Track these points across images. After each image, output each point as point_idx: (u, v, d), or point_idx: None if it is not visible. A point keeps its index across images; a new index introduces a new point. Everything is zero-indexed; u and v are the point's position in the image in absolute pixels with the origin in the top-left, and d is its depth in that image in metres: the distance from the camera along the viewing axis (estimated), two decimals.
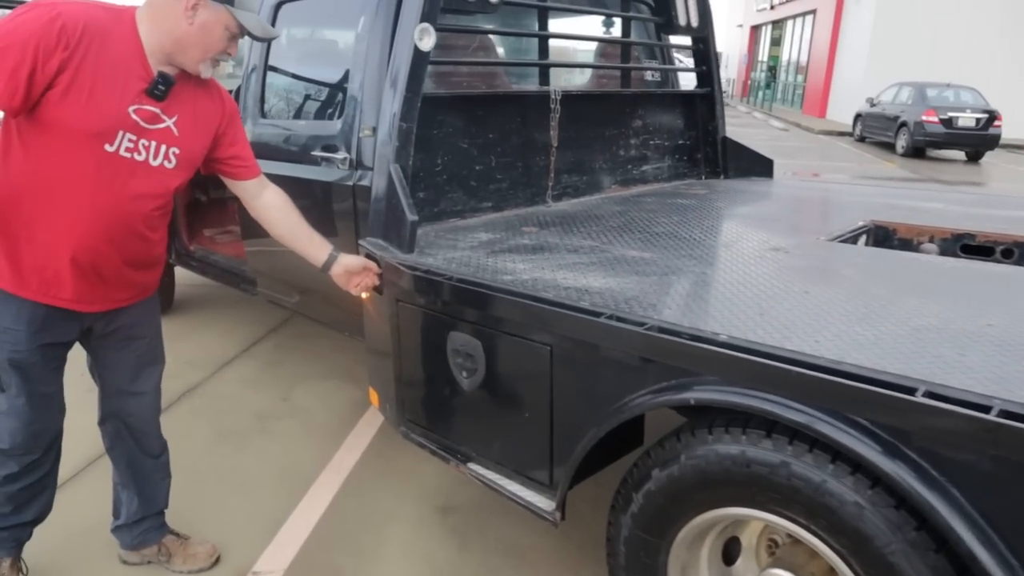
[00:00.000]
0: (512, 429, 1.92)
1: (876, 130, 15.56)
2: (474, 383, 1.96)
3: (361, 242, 2.35)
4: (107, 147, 1.68)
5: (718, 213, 2.90)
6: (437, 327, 2.02)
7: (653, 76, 3.78)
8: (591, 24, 3.72)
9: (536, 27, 3.12)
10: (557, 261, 2.07)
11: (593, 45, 3.71)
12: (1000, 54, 17.38)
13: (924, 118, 13.54)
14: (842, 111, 19.60)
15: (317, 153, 2.74)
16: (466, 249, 2.24)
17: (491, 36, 3.03)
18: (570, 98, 2.97)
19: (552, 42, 3.25)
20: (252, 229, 2.83)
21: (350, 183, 2.60)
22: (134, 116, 1.72)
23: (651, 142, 3.61)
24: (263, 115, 3.11)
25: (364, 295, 2.35)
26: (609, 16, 3.53)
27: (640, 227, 2.54)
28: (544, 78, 3.01)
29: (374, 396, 2.48)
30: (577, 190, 3.21)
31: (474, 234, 2.47)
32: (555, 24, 3.37)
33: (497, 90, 2.88)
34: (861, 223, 2.63)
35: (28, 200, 1.68)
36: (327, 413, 3.42)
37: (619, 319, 1.57)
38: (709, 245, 2.29)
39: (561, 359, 1.73)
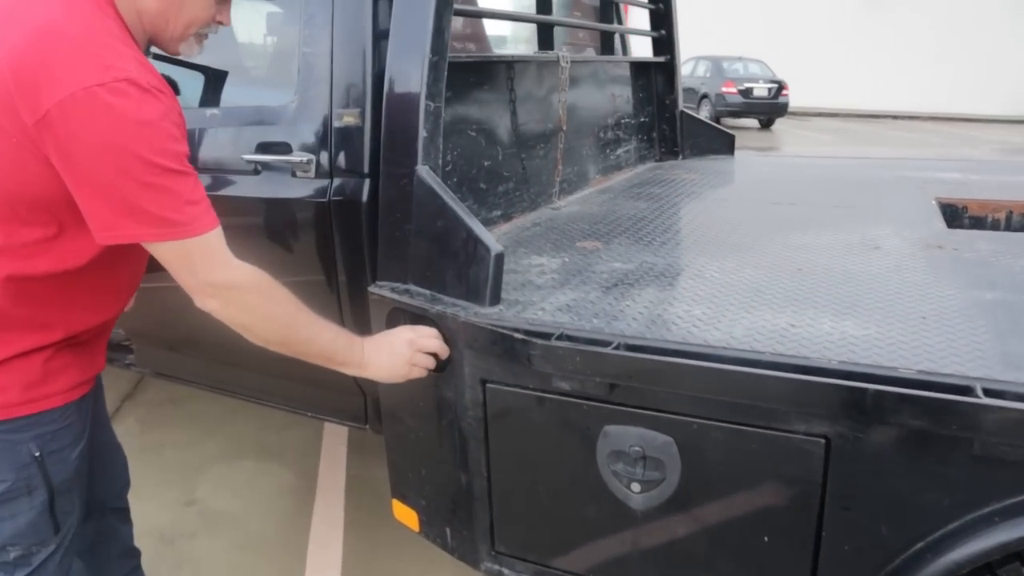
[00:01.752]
0: (730, 561, 1.25)
1: None
2: (655, 499, 1.26)
3: (376, 291, 1.52)
4: None
5: (767, 203, 2.39)
6: (578, 420, 1.28)
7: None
8: None
9: None
10: (728, 297, 1.42)
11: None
12: (782, 29, 19.02)
13: (724, 89, 14.41)
14: None
15: (251, 157, 1.81)
16: (557, 287, 1.51)
17: None
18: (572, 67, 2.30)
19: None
20: None
21: (323, 199, 1.72)
22: None
23: (622, 121, 3.03)
24: None
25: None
26: None
27: (719, 231, 1.96)
28: (547, 42, 2.29)
29: (406, 514, 1.67)
30: (570, 185, 2.55)
31: (526, 260, 1.73)
32: None
33: (503, 56, 2.13)
34: (933, 202, 2.27)
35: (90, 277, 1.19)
36: (260, 516, 2.47)
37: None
38: (854, 249, 1.75)
39: (849, 457, 1.10)
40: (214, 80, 2.17)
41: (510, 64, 2.14)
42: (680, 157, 3.41)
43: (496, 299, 1.38)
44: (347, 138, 1.69)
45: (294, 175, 1.76)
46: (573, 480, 1.33)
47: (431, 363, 1.38)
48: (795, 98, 15.62)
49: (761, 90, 14.51)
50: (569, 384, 1.24)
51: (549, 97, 2.23)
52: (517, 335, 1.24)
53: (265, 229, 1.86)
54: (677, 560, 1.29)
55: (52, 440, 1.20)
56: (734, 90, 14.32)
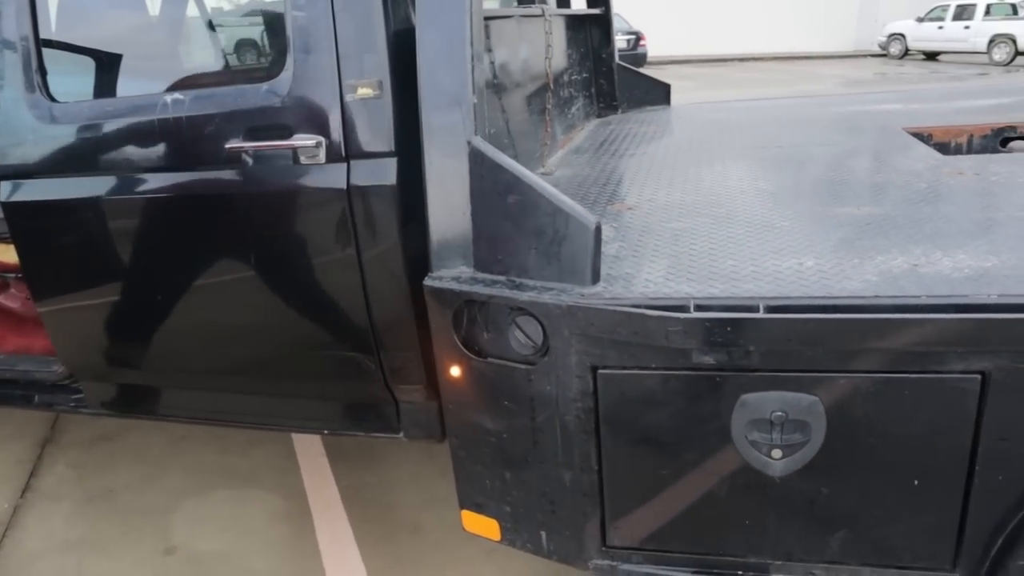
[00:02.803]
0: (878, 508, 1.22)
1: None
2: (798, 462, 1.20)
3: (436, 283, 1.34)
4: None
5: (754, 148, 2.37)
6: (711, 393, 1.19)
7: None
8: None
9: None
10: (823, 245, 1.36)
11: None
12: None
13: None
14: None
15: (235, 145, 1.54)
16: (635, 255, 1.39)
17: None
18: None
19: None
20: (56, 283, 1.61)
21: (339, 186, 1.50)
22: None
23: (572, 78, 2.92)
24: (50, 95, 1.70)
25: (456, 372, 1.38)
26: None
27: (738, 180, 1.91)
28: None
29: (482, 524, 1.52)
30: (548, 148, 2.42)
31: None
32: None
33: (499, 11, 1.94)
34: (905, 133, 2.35)
35: None
36: (259, 550, 2.21)
37: None
38: (889, 184, 1.75)
39: (1007, 388, 1.09)
40: (111, 64, 1.86)
41: (488, 21, 1.97)
42: (619, 111, 3.36)
43: (597, 276, 1.25)
44: (365, 113, 1.47)
45: (296, 162, 1.52)
46: (702, 457, 1.24)
47: None
48: (654, 48, 16.06)
49: (621, 41, 14.80)
50: (714, 357, 1.14)
51: (532, 54, 2.08)
52: (651, 312, 1.12)
53: (265, 229, 1.61)
54: (820, 518, 1.24)
55: None
56: None
